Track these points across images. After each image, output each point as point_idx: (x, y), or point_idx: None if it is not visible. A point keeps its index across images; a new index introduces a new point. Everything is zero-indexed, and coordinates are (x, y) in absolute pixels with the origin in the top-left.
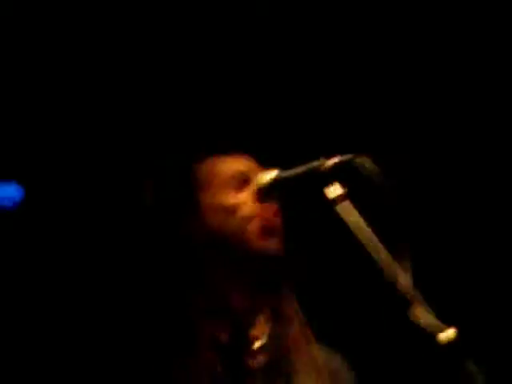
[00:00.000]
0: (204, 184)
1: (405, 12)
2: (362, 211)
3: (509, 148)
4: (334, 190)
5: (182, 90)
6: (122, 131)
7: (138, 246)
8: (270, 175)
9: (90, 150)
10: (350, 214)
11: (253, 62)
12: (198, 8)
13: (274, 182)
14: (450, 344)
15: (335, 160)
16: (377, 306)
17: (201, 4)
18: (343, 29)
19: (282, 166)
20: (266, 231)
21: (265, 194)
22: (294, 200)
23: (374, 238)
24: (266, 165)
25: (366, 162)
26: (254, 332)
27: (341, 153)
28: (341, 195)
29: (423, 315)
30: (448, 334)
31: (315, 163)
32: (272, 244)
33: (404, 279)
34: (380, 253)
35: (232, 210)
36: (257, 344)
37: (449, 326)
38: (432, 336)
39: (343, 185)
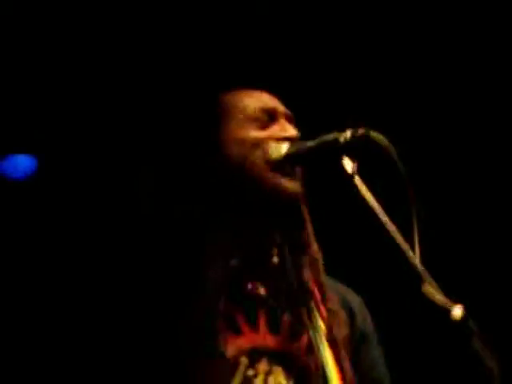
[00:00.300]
0: (229, 115)
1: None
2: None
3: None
4: (350, 164)
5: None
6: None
7: (159, 175)
8: (282, 149)
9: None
10: (363, 187)
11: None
12: None
13: (287, 156)
14: (461, 320)
15: (351, 133)
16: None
17: None
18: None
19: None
20: (286, 172)
21: (277, 167)
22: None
23: (386, 216)
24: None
25: (380, 136)
26: (265, 263)
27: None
28: (357, 167)
29: (436, 292)
30: (459, 310)
31: (329, 137)
32: (291, 185)
33: (413, 256)
34: (392, 227)
35: (253, 145)
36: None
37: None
38: (445, 312)
39: (353, 159)
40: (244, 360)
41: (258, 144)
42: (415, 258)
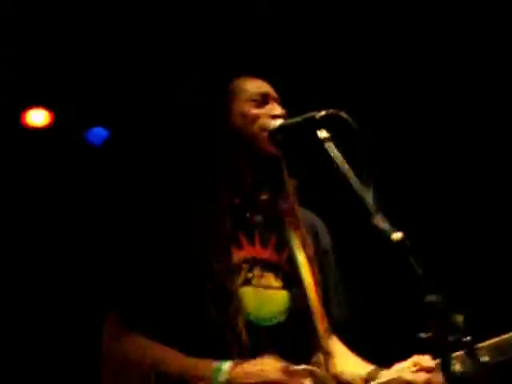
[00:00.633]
0: (235, 96)
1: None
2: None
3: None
4: (323, 133)
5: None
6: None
7: (188, 129)
8: (278, 122)
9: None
10: (333, 150)
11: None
12: None
13: (281, 127)
14: (400, 241)
15: (325, 112)
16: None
17: None
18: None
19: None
20: (276, 130)
21: (274, 135)
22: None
23: (349, 169)
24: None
25: (345, 114)
26: (259, 199)
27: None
28: (328, 137)
29: (381, 222)
30: (399, 234)
31: (309, 114)
32: (274, 150)
33: (369, 196)
34: (352, 178)
35: (252, 119)
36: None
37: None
38: (387, 236)
39: (328, 130)
40: (245, 266)
41: (256, 118)
42: (369, 198)
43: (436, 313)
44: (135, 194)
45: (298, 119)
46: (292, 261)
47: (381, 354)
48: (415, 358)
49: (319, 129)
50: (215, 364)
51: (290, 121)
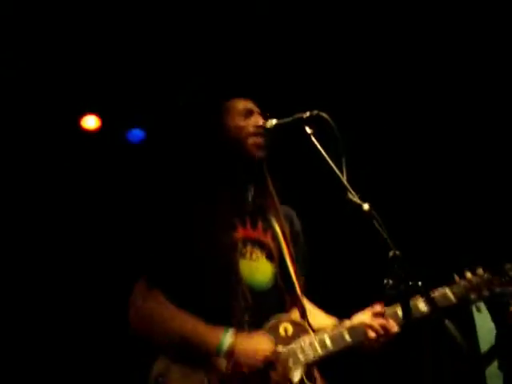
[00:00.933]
0: (227, 111)
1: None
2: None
3: None
4: (309, 129)
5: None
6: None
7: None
8: (274, 121)
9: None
10: (316, 142)
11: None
12: None
13: (276, 125)
14: (368, 211)
15: (310, 113)
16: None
17: None
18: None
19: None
20: (257, 145)
21: (270, 131)
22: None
23: (328, 156)
24: (262, 108)
25: (326, 115)
26: (248, 193)
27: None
28: (312, 132)
29: (354, 196)
30: (367, 205)
31: (297, 115)
32: (259, 152)
33: (343, 177)
34: (331, 162)
35: (241, 129)
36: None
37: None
38: (359, 207)
39: (311, 127)
40: (240, 244)
41: (243, 128)
42: (344, 178)
43: (396, 265)
44: (161, 185)
45: (289, 119)
46: (274, 239)
47: (342, 308)
48: (370, 308)
49: (306, 126)
50: (220, 334)
51: (282, 120)
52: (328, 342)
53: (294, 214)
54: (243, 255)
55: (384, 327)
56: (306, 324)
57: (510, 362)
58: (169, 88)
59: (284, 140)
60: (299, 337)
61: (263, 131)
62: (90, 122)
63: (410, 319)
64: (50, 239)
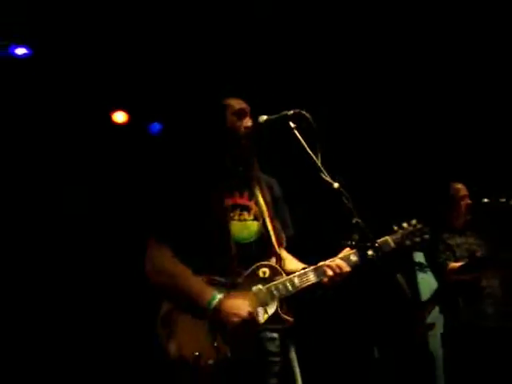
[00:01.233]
0: (227, 109)
1: None
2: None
3: None
4: (292, 124)
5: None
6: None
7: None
8: (265, 117)
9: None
10: (297, 134)
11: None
12: None
13: (267, 120)
14: (338, 188)
15: (293, 111)
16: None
17: None
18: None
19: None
20: (247, 146)
21: (261, 126)
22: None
23: (307, 145)
24: (253, 108)
25: (307, 113)
26: (238, 169)
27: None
28: (295, 126)
29: (326, 176)
30: (337, 183)
31: (284, 112)
32: (248, 143)
33: (318, 161)
34: (309, 150)
35: (235, 128)
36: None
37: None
38: (330, 185)
39: (294, 122)
40: (230, 208)
41: (238, 127)
42: (319, 162)
43: (357, 229)
44: (171, 165)
45: (277, 115)
46: (257, 204)
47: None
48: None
49: (290, 121)
50: (211, 295)
51: (271, 117)
52: (296, 280)
53: (274, 181)
54: (233, 217)
55: (339, 267)
56: (280, 269)
57: (447, 308)
58: (181, 89)
59: (272, 132)
60: (274, 278)
61: (251, 133)
62: (119, 116)
63: (364, 264)
64: (93, 210)
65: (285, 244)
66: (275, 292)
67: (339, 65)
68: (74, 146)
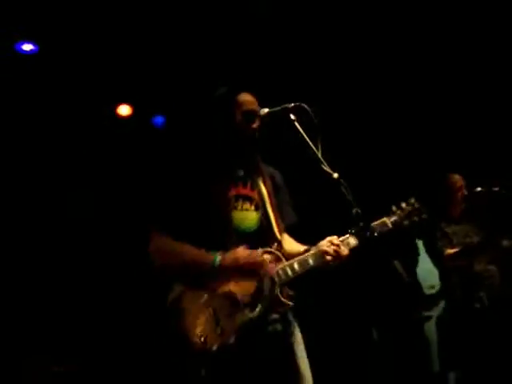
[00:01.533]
0: (238, 105)
1: None
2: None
3: None
4: (293, 116)
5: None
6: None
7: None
8: (266, 109)
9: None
10: (298, 126)
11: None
12: None
13: (269, 112)
14: (337, 178)
15: (294, 104)
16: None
17: None
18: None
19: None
20: (254, 137)
21: (263, 118)
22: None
23: (307, 137)
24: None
25: (306, 106)
26: (241, 161)
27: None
28: (295, 118)
29: (326, 167)
30: (336, 174)
31: (285, 105)
32: (253, 139)
33: (319, 152)
34: (309, 141)
35: (244, 127)
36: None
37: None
38: (330, 175)
39: (295, 115)
40: (233, 199)
41: (247, 127)
42: (319, 153)
43: (356, 218)
44: (175, 157)
45: (278, 108)
46: (260, 194)
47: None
48: (328, 238)
49: (291, 114)
50: (213, 255)
51: (272, 109)
52: (296, 266)
53: (277, 172)
54: (235, 207)
55: (337, 251)
56: (281, 254)
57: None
58: (185, 84)
59: (274, 124)
60: (275, 263)
61: (258, 134)
62: (124, 109)
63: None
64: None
65: (284, 231)
66: (276, 278)
67: (337, 57)
68: (78, 139)
